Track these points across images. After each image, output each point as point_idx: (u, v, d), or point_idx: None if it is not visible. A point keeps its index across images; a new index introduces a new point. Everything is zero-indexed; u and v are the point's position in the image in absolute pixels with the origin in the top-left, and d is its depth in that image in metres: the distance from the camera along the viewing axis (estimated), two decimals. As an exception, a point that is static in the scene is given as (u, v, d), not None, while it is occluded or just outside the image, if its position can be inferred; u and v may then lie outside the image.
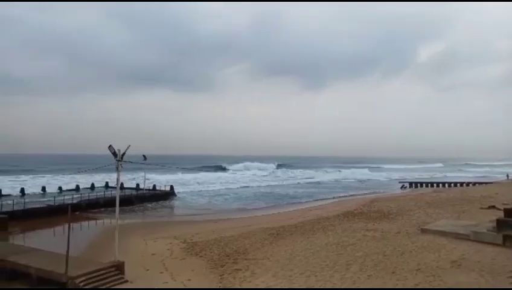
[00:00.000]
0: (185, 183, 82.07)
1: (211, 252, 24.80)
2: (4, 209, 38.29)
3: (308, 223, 33.86)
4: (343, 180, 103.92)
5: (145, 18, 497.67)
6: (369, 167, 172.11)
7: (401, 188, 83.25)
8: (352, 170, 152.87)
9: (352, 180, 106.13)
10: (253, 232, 30.95)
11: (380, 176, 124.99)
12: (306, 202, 57.38)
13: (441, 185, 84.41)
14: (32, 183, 72.01)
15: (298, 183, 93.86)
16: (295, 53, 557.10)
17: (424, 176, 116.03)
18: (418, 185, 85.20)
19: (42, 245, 25.33)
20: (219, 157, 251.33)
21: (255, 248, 25.37)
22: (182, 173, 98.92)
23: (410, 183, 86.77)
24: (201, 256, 24.12)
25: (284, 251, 23.99)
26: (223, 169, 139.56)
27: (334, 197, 62.34)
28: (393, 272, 17.93)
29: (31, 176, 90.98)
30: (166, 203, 55.66)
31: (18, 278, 19.94)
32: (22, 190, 58.91)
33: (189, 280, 19.36)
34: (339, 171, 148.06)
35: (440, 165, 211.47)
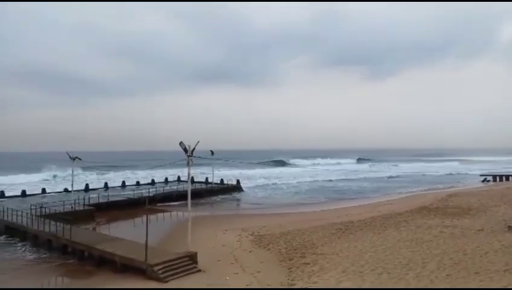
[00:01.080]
0: (252, 177, 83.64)
1: (279, 246, 25.02)
2: (92, 202, 42.45)
3: (379, 219, 32.56)
4: (421, 174, 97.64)
5: (206, 18, 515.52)
6: (459, 160, 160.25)
7: (483, 181, 76.12)
8: (443, 163, 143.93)
9: (433, 173, 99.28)
10: (320, 226, 30.59)
11: (464, 169, 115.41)
12: (377, 196, 55.10)
13: (531, 178, 75.43)
14: (114, 178, 78.69)
15: (369, 177, 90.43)
16: (358, 42, 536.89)
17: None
18: (504, 178, 77.06)
19: (124, 234, 27.73)
20: (288, 152, 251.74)
21: (323, 242, 25.06)
22: (249, 168, 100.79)
23: (494, 177, 78.81)
24: (269, 249, 24.44)
25: (354, 246, 23.35)
26: (289, 164, 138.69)
27: (408, 192, 59.06)
28: (476, 273, 16.51)
29: (112, 172, 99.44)
30: (234, 196, 57.30)
31: (105, 264, 22.05)
32: (106, 184, 64.73)
33: (259, 272, 19.73)
34: (419, 164, 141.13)
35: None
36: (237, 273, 19.65)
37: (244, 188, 63.96)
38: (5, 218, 32.94)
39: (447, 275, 16.62)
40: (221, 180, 65.38)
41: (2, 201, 45.36)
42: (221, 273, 19.73)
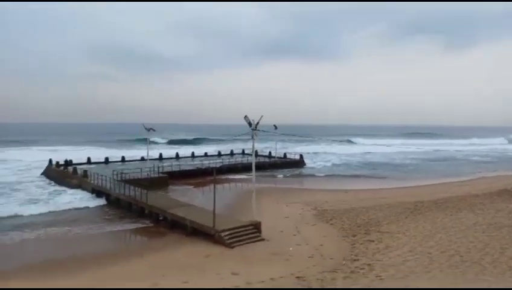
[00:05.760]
0: (317, 153, 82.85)
1: (342, 221, 24.85)
2: (165, 170, 45.61)
3: (452, 200, 30.61)
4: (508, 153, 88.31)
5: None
6: None
7: None
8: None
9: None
10: (386, 205, 29.65)
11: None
12: (450, 176, 51.38)
13: None
14: (184, 150, 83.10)
15: (443, 156, 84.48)
16: (432, 10, 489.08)
17: None
18: None
19: (193, 201, 29.66)
20: (353, 128, 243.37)
21: (389, 221, 24.35)
22: (315, 144, 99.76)
23: None
24: (332, 224, 24.41)
25: (423, 227, 22.39)
26: (357, 143, 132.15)
27: (486, 173, 54.21)
28: None
29: (183, 144, 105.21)
30: (296, 171, 57.41)
31: (177, 227, 23.84)
32: (177, 154, 68.67)
33: (321, 245, 19.91)
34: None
35: None
36: (300, 245, 20.04)
37: (307, 163, 63.72)
38: (92, 181, 37.19)
39: (530, 263, 15.30)
40: (284, 154, 65.70)
41: (90, 166, 50.38)
42: (284, 244, 20.26)
